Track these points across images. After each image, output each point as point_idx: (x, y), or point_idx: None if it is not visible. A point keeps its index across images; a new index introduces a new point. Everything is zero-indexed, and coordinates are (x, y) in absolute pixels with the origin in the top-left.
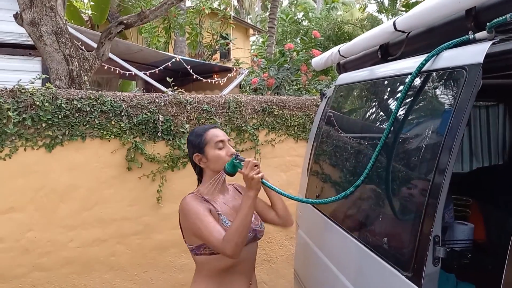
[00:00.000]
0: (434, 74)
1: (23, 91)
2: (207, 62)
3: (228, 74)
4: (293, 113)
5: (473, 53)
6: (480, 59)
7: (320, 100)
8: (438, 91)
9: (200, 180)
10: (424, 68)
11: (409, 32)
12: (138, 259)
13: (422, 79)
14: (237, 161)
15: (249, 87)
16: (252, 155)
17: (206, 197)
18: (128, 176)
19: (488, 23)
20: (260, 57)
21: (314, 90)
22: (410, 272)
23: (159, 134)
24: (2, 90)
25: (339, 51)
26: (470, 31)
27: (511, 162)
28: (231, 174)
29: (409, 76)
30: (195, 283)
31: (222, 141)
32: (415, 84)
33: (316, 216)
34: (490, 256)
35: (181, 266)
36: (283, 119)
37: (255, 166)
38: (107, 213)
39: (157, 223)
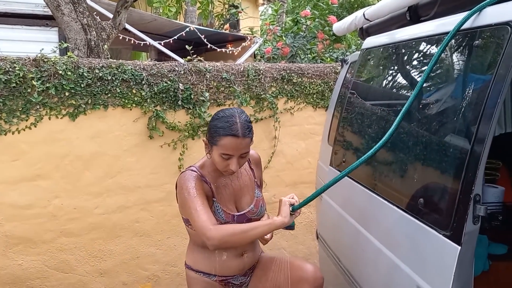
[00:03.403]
0: (474, 32)
1: (45, 60)
2: (221, 31)
3: (242, 43)
4: (312, 80)
5: None
6: None
7: (340, 67)
8: (479, 50)
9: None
10: (464, 27)
11: None
12: (161, 225)
13: (461, 38)
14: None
15: (262, 56)
16: (271, 123)
17: (207, 177)
18: (150, 144)
19: None
20: (273, 25)
21: (328, 59)
22: (449, 231)
23: (180, 102)
24: (25, 60)
25: (364, 14)
26: None
27: None
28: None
29: (446, 36)
30: (188, 251)
31: (231, 155)
32: (453, 43)
33: (345, 182)
34: None
35: None
36: (302, 87)
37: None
38: (130, 181)
39: None
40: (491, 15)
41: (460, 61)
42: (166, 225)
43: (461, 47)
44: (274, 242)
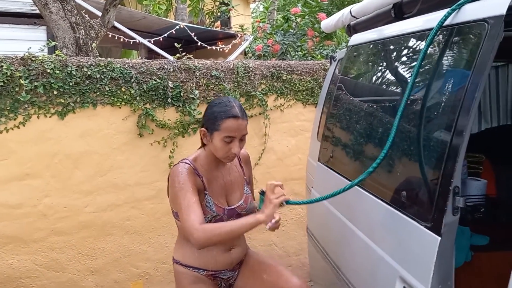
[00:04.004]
0: (454, 28)
1: (33, 59)
2: (211, 28)
3: (233, 41)
4: (301, 77)
5: (495, 5)
6: (503, 10)
7: (328, 65)
8: (458, 46)
9: (203, 145)
10: (445, 23)
11: None
12: (152, 223)
13: (442, 34)
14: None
15: (253, 54)
16: (261, 120)
17: (200, 170)
18: (140, 142)
19: None
20: (263, 22)
21: (319, 56)
22: (430, 222)
23: (169, 100)
24: (13, 58)
25: (350, 11)
26: None
27: None
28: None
29: (429, 33)
30: (176, 245)
31: (233, 137)
32: (435, 40)
33: (331, 176)
34: (502, 210)
35: None
36: (292, 84)
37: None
38: (120, 179)
39: None
40: (470, 12)
41: (440, 57)
42: (157, 223)
43: (442, 44)
44: (265, 238)
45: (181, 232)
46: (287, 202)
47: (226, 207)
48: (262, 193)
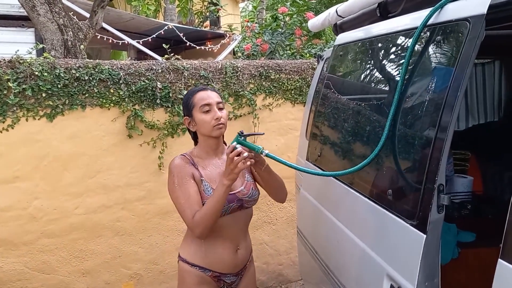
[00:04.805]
0: (437, 27)
1: (21, 61)
2: (199, 29)
3: (221, 41)
4: (290, 77)
5: (476, 4)
6: (483, 10)
7: (316, 63)
8: (441, 45)
9: (196, 143)
10: (428, 22)
11: None
12: (142, 223)
13: (425, 33)
14: (242, 138)
15: (242, 53)
16: (250, 120)
17: (195, 160)
18: (129, 143)
19: None
20: (252, 22)
21: (308, 54)
22: (415, 220)
23: (158, 101)
24: (0, 61)
25: (336, 11)
26: None
27: (506, 118)
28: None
29: (414, 32)
30: (183, 243)
31: (208, 104)
32: (420, 39)
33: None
34: (488, 207)
35: (184, 229)
36: (280, 83)
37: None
38: (110, 180)
39: (159, 189)
40: (452, 11)
41: (424, 56)
42: (148, 224)
43: (427, 43)
44: (256, 237)
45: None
46: (267, 155)
47: None
48: (240, 134)
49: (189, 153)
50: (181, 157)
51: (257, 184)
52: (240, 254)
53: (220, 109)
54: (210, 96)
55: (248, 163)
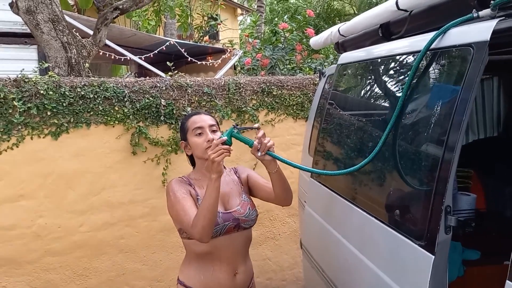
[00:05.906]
0: (441, 52)
1: (26, 80)
2: (200, 44)
3: (222, 56)
4: (291, 92)
5: (479, 31)
6: (487, 36)
7: (318, 79)
8: (445, 69)
9: (194, 166)
10: (431, 47)
11: (412, 11)
12: (146, 240)
13: (429, 57)
14: (236, 131)
15: (242, 67)
16: (253, 135)
17: (192, 181)
18: (133, 160)
19: (492, 1)
20: (252, 37)
21: (307, 68)
22: (423, 241)
23: (162, 118)
24: (6, 80)
25: (339, 30)
26: (474, 10)
27: (505, 134)
28: (229, 144)
29: (417, 55)
30: (182, 266)
31: (200, 127)
32: (422, 62)
33: (326, 193)
34: (491, 224)
35: None
36: (282, 99)
37: (223, 148)
38: (114, 197)
39: (163, 205)
40: (455, 36)
41: (430, 79)
42: (151, 240)
43: (430, 66)
44: (259, 253)
45: (188, 250)
46: (269, 153)
47: (222, 210)
48: (234, 126)
49: (186, 175)
50: (177, 179)
51: (262, 198)
52: (238, 279)
53: (213, 131)
54: (203, 119)
55: (222, 156)
